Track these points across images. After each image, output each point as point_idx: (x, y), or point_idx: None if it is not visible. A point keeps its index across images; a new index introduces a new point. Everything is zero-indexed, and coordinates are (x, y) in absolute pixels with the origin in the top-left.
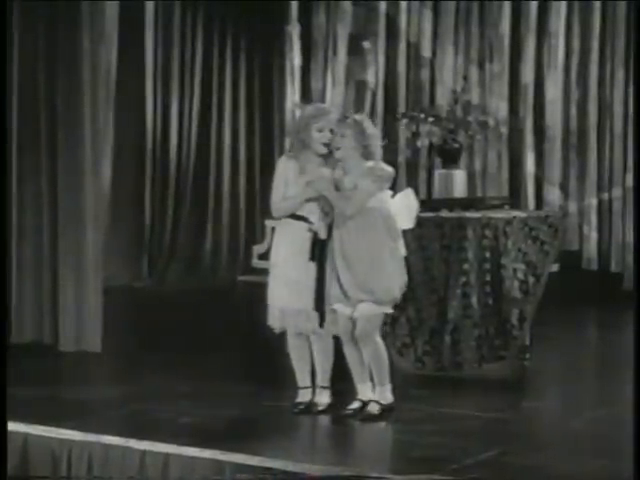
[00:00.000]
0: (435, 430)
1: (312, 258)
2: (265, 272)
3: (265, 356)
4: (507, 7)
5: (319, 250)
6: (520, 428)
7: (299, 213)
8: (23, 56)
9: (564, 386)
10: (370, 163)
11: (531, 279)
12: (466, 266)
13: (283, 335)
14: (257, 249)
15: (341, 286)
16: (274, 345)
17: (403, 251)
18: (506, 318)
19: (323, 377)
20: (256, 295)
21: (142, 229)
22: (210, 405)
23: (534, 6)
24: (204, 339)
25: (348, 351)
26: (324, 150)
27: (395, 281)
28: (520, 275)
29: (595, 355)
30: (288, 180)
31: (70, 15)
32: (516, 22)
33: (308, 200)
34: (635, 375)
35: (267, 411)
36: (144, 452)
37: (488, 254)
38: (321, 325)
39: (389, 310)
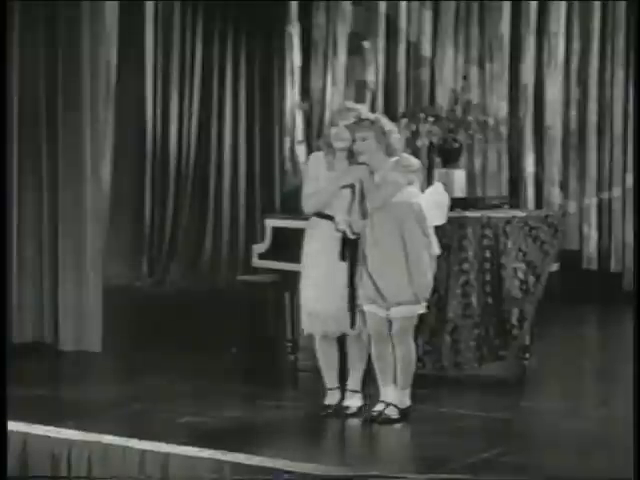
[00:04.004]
0: (435, 430)
1: (343, 258)
2: (265, 272)
3: (265, 356)
4: (507, 7)
5: (350, 250)
6: (520, 428)
7: (327, 212)
8: (23, 56)
9: (564, 386)
10: (395, 157)
11: (531, 279)
12: (466, 266)
13: (283, 335)
14: (257, 249)
15: (377, 288)
16: (274, 345)
17: (437, 249)
18: (506, 318)
19: (354, 380)
20: (256, 295)
21: (142, 229)
22: (210, 405)
23: (534, 6)
24: (204, 339)
25: (378, 352)
26: (339, 145)
27: (430, 277)
28: (520, 275)
29: (595, 355)
30: (319, 175)
31: (70, 15)
32: (516, 22)
33: (344, 187)
34: (635, 374)
35: (267, 411)
36: (144, 452)
37: (488, 254)
38: (353, 326)
39: (423, 310)
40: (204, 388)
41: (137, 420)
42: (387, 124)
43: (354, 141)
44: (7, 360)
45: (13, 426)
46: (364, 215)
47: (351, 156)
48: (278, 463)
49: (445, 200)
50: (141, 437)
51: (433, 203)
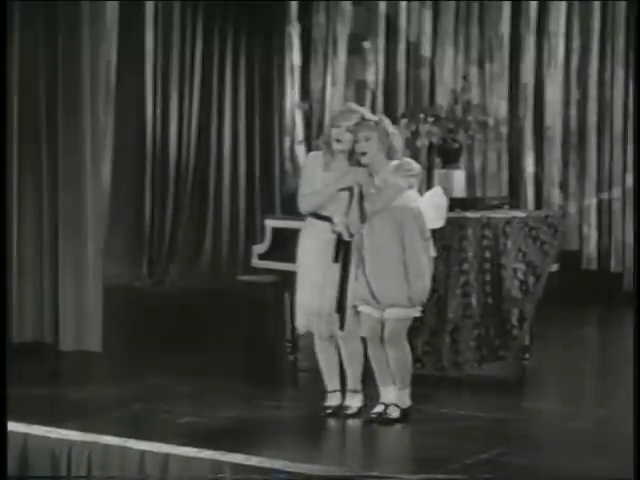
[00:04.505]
0: (435, 430)
1: (336, 260)
2: (265, 272)
3: (265, 356)
4: (507, 7)
5: (343, 252)
6: (520, 428)
7: (323, 213)
8: (23, 56)
9: (564, 386)
10: (396, 161)
11: (531, 279)
12: (466, 266)
13: (282, 335)
14: (257, 249)
15: (371, 290)
16: (274, 345)
17: (432, 251)
18: (506, 318)
19: (354, 380)
20: (256, 295)
21: (142, 229)
22: (210, 405)
23: (534, 6)
24: (204, 339)
25: (373, 353)
26: (338, 147)
27: (427, 281)
28: (520, 275)
29: (595, 355)
30: (315, 174)
31: (70, 15)
32: (516, 22)
33: (341, 189)
34: (635, 375)
35: (266, 411)
36: (144, 452)
37: (488, 254)
38: (342, 327)
39: (418, 313)
40: (204, 388)
41: (137, 420)
42: (390, 126)
43: (357, 142)
44: (7, 360)
45: (13, 426)
46: (363, 218)
47: (351, 157)
48: (277, 464)
49: (444, 203)
50: (141, 437)
51: (432, 206)
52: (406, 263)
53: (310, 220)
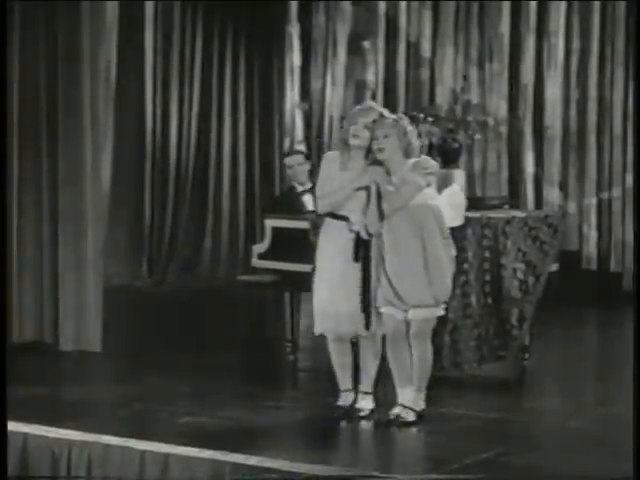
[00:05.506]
0: (435, 430)
1: (356, 259)
2: (265, 272)
3: (265, 356)
4: (507, 7)
5: (363, 250)
6: (520, 428)
7: (340, 213)
8: (23, 56)
9: (564, 386)
10: (414, 159)
11: (531, 279)
12: (466, 266)
13: (283, 335)
14: (257, 249)
15: (395, 291)
16: (274, 345)
17: (453, 250)
18: (506, 318)
19: (367, 382)
20: (256, 295)
21: (142, 229)
22: (209, 405)
23: (534, 6)
24: (204, 339)
25: (393, 354)
26: (355, 142)
27: (449, 279)
28: (520, 275)
29: (595, 355)
30: (332, 174)
31: (70, 15)
32: (516, 22)
33: (358, 189)
34: (635, 375)
35: (267, 411)
36: (144, 452)
37: (488, 254)
38: (367, 327)
39: (442, 312)
40: (204, 388)
41: (137, 420)
42: (408, 125)
43: (375, 139)
44: (7, 360)
45: (13, 426)
46: (381, 217)
47: (367, 156)
48: (278, 463)
49: (462, 201)
50: (141, 437)
51: (450, 205)
52: (428, 262)
53: (328, 221)
